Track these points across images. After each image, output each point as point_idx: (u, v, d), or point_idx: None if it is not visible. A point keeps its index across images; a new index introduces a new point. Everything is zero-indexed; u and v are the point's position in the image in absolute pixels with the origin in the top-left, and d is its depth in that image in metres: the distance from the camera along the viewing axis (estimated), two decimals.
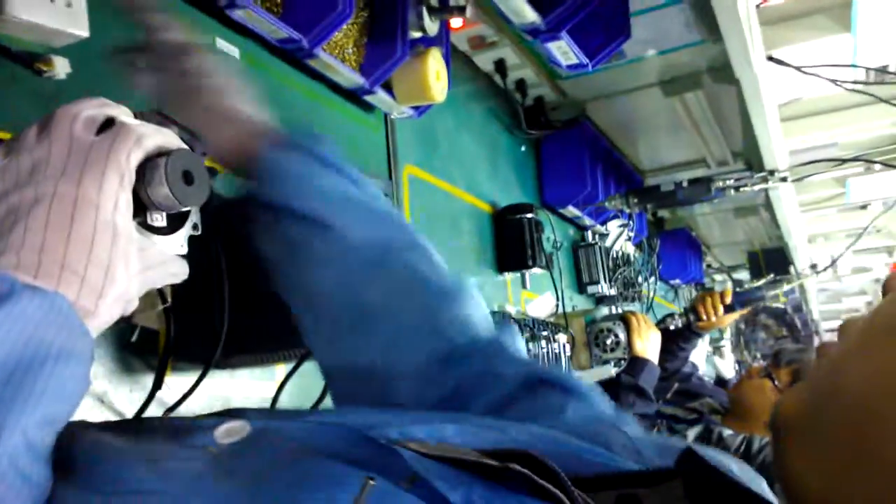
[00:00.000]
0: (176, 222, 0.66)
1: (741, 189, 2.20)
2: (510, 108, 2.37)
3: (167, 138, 0.62)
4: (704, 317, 2.36)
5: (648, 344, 2.27)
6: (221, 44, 1.21)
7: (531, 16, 1.48)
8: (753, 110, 1.97)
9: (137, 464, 0.52)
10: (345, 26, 1.39)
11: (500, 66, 2.15)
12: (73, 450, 0.53)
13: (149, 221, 0.63)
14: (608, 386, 2.20)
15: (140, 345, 0.92)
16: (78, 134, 0.57)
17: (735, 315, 2.42)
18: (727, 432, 1.75)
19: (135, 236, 0.59)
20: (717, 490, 0.46)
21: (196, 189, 0.63)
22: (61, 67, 0.89)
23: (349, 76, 1.40)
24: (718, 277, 5.04)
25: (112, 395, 0.91)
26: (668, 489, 0.48)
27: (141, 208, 0.62)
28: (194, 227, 0.68)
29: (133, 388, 0.93)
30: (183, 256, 0.67)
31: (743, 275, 4.98)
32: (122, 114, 0.61)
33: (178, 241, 0.66)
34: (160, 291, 0.86)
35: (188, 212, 0.67)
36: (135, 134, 0.59)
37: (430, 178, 1.81)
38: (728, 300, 2.34)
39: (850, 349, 0.47)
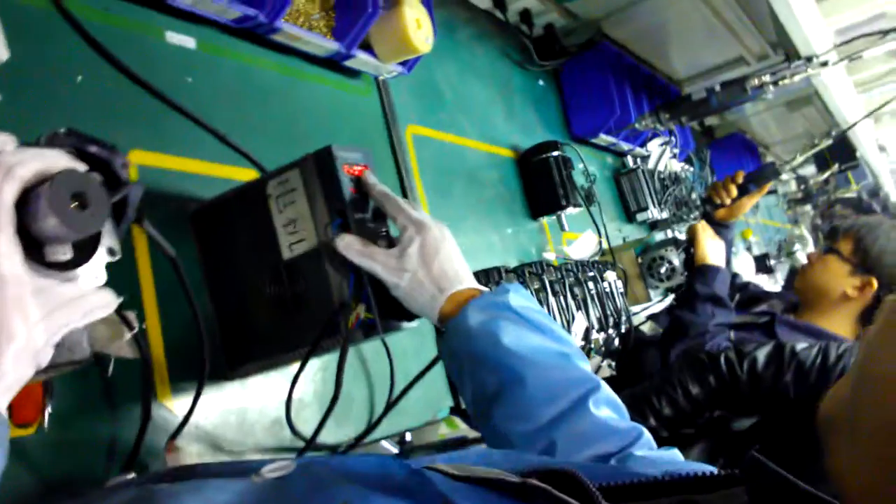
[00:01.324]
0: (85, 251, 0.59)
1: (780, 83, 2.02)
2: (517, 42, 2.22)
3: (48, 161, 0.55)
4: (718, 200, 2.20)
5: (716, 252, 2.14)
6: (172, 37, 1.13)
7: None
8: None
9: (183, 497, 0.53)
10: None
11: None
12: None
13: (49, 258, 0.56)
14: (684, 300, 2.07)
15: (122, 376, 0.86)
16: None
17: (755, 198, 2.24)
18: (800, 346, 1.62)
19: (27, 279, 0.52)
20: (784, 498, 0.44)
21: (93, 212, 0.56)
22: None
23: (321, 44, 1.30)
24: (783, 177, 4.79)
25: (105, 435, 0.86)
26: (730, 496, 0.48)
27: (37, 245, 0.55)
28: (110, 252, 0.61)
29: (127, 423, 0.88)
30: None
31: (809, 170, 4.72)
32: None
33: (93, 272, 0.59)
34: (124, 318, 0.80)
35: (98, 237, 0.60)
36: (3, 165, 0.51)
37: (438, 135, 1.71)
38: (740, 179, 2.18)
39: (876, 336, 0.45)
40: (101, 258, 0.60)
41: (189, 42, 1.16)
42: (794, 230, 4.59)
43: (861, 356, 0.45)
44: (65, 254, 0.57)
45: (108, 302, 0.59)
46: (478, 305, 0.85)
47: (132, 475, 0.80)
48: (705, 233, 2.15)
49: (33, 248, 0.54)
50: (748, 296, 2.36)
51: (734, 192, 2.21)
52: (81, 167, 0.57)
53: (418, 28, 1.41)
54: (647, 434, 0.79)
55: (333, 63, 1.41)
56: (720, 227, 2.27)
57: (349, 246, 0.88)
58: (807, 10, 1.93)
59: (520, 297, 0.87)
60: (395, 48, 1.42)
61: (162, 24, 1.12)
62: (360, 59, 1.41)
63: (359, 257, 0.88)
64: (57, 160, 0.55)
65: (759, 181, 2.23)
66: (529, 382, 0.81)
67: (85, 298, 0.57)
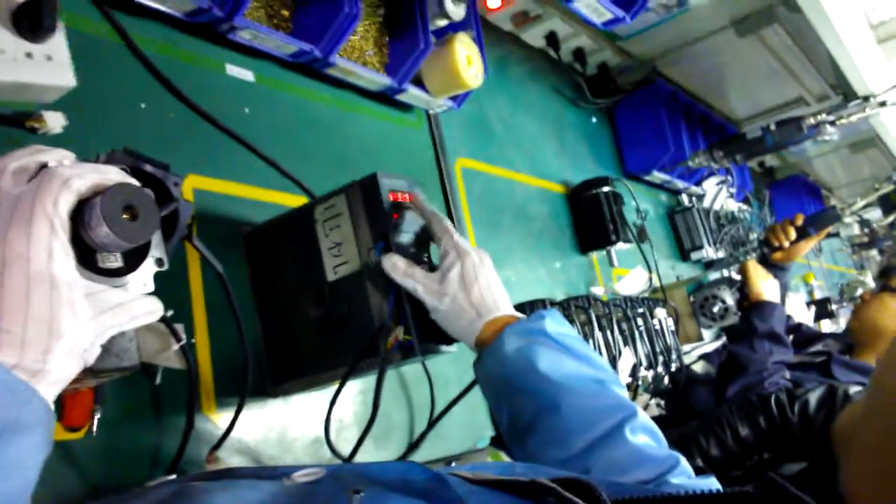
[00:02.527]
0: (135, 261, 0.63)
1: (838, 122, 1.99)
2: (570, 80, 2.25)
3: (103, 175, 0.59)
4: (776, 243, 2.16)
5: (772, 289, 2.11)
6: (232, 69, 1.19)
7: None
8: (824, 32, 1.78)
9: (216, 493, 0.55)
10: (361, 28, 1.35)
11: (552, 38, 2.05)
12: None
13: (100, 264, 0.60)
14: (739, 336, 2.03)
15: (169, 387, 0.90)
16: (5, 187, 0.55)
17: (813, 241, 2.20)
18: (853, 390, 1.57)
19: (79, 282, 0.56)
20: None
21: (143, 224, 0.60)
22: (55, 122, 0.88)
23: (373, 78, 1.35)
24: (847, 220, 4.66)
25: (150, 443, 0.90)
26: None
27: (90, 252, 0.59)
28: (158, 262, 0.65)
29: (171, 432, 0.91)
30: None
31: (875, 214, 4.59)
32: (58, 158, 0.59)
33: (141, 280, 0.63)
34: (172, 330, 0.84)
35: (147, 247, 0.64)
36: (61, 177, 0.55)
37: (487, 168, 1.74)
38: (799, 222, 2.14)
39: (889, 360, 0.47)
40: (149, 268, 0.64)
41: (248, 75, 1.22)
42: (858, 275, 4.45)
43: (875, 373, 0.46)
44: (115, 261, 0.61)
45: (154, 309, 0.63)
46: (514, 331, 0.86)
47: (172, 476, 0.83)
48: (757, 270, 2.12)
49: (86, 255, 0.58)
50: (803, 336, 2.31)
51: (793, 234, 2.17)
52: (135, 183, 0.61)
53: (469, 64, 1.45)
54: (683, 462, 0.79)
55: (385, 97, 1.45)
56: (776, 269, 2.24)
57: (395, 266, 0.91)
58: (865, 50, 1.91)
59: (555, 324, 0.88)
60: (445, 83, 1.46)
61: (223, 58, 1.18)
62: (412, 94, 1.45)
63: (402, 277, 0.90)
64: (111, 174, 0.59)
65: (819, 225, 2.19)
66: (565, 409, 0.81)
67: (132, 304, 0.60)
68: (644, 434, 0.80)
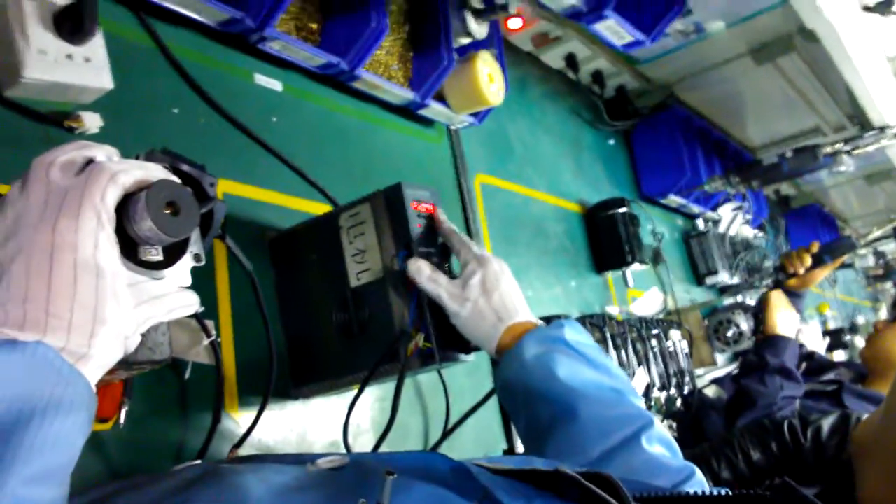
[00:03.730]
0: (174, 255, 0.65)
1: (854, 152, 2.00)
2: (589, 102, 2.28)
3: (148, 172, 0.61)
4: (791, 270, 2.16)
5: (788, 323, 2.11)
6: (260, 79, 1.22)
7: None
8: (842, 63, 1.80)
9: (246, 474, 0.57)
10: (387, 43, 1.38)
11: (571, 60, 2.08)
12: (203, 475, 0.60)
13: (142, 257, 0.62)
14: (751, 369, 2.04)
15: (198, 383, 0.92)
16: (54, 179, 0.57)
17: (828, 269, 2.20)
18: (866, 417, 1.57)
19: (123, 272, 0.58)
20: None
21: (184, 219, 0.62)
22: (92, 122, 0.91)
23: (397, 93, 1.38)
24: (861, 251, 4.65)
25: (175, 439, 0.91)
26: None
27: (133, 245, 0.62)
28: (196, 257, 0.67)
29: (196, 429, 0.93)
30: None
31: (890, 246, 4.58)
32: (105, 153, 0.61)
33: (179, 274, 0.65)
34: (203, 326, 0.86)
35: (186, 242, 0.66)
36: (109, 171, 0.58)
37: (506, 185, 1.76)
38: (815, 249, 2.15)
39: None
40: (187, 262, 0.66)
41: (276, 85, 1.24)
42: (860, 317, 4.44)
43: (894, 383, 0.47)
44: (156, 255, 0.63)
45: (192, 302, 0.65)
46: (534, 338, 0.88)
47: (198, 462, 0.85)
48: (780, 302, 2.12)
49: (129, 248, 0.60)
50: (816, 365, 2.30)
51: (808, 261, 2.18)
52: (176, 180, 0.64)
53: (490, 82, 1.48)
54: (698, 473, 0.79)
55: (408, 111, 1.48)
56: (791, 296, 2.24)
57: (420, 270, 0.92)
58: (881, 82, 1.92)
59: (574, 332, 0.89)
60: (467, 99, 1.49)
61: (252, 67, 1.21)
62: (434, 109, 1.48)
63: (427, 282, 0.92)
64: (155, 171, 0.62)
65: (835, 253, 2.20)
66: (582, 417, 0.82)
67: (170, 296, 0.62)
68: (660, 444, 0.81)
